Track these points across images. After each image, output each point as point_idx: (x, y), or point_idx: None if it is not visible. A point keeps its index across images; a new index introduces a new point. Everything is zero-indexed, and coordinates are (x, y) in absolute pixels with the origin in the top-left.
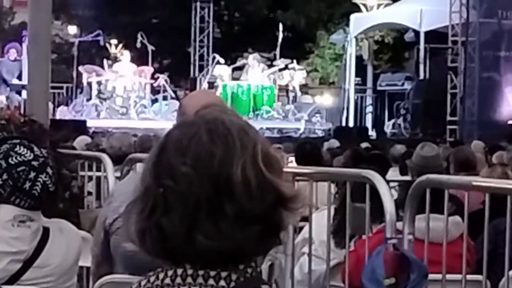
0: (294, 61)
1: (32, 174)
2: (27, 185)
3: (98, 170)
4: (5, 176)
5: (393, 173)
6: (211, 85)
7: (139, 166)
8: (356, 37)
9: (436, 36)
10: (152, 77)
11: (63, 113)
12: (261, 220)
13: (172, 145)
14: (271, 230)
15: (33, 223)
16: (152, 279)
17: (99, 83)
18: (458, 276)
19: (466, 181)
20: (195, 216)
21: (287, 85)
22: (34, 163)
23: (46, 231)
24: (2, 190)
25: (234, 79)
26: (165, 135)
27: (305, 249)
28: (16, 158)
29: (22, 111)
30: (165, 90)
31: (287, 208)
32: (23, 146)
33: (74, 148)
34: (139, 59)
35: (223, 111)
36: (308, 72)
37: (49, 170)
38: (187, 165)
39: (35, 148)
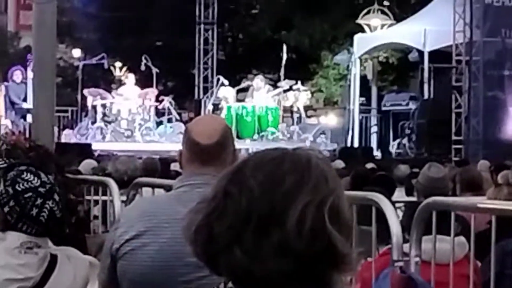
0: (299, 82)
1: (39, 201)
2: (34, 211)
3: (104, 194)
4: (12, 203)
5: (399, 194)
6: (216, 107)
7: (145, 191)
8: (360, 58)
9: (440, 55)
10: (157, 99)
11: (68, 136)
12: (301, 261)
13: (254, 159)
14: (308, 276)
15: (40, 250)
16: None
17: (104, 106)
18: None
19: (472, 204)
20: (242, 229)
21: (291, 106)
22: (41, 189)
23: (53, 258)
24: (9, 216)
25: (238, 100)
26: (256, 152)
27: None
28: (23, 184)
29: (27, 136)
30: (170, 113)
31: (336, 264)
32: (30, 173)
33: (79, 172)
34: (144, 81)
35: (316, 152)
36: (312, 93)
37: (56, 196)
38: (256, 180)
39: (42, 175)
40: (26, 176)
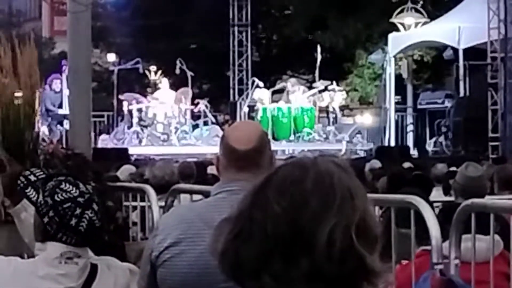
0: (334, 82)
1: (78, 211)
2: (73, 221)
3: (142, 200)
4: (51, 213)
5: (436, 193)
6: (252, 108)
7: (183, 197)
8: (394, 57)
9: (475, 53)
10: (192, 102)
11: (104, 141)
12: (332, 283)
13: (276, 180)
14: None
15: (80, 260)
16: None
17: (139, 110)
18: None
19: (510, 205)
20: (270, 256)
21: (327, 107)
22: (80, 199)
23: (94, 268)
24: (49, 227)
25: (274, 102)
26: (276, 169)
27: None
28: (62, 195)
29: (64, 143)
30: (205, 116)
31: (368, 281)
32: (68, 183)
33: (117, 178)
34: (179, 85)
35: (340, 165)
36: (347, 92)
37: (94, 206)
38: (280, 205)
39: (81, 185)
40: (65, 186)
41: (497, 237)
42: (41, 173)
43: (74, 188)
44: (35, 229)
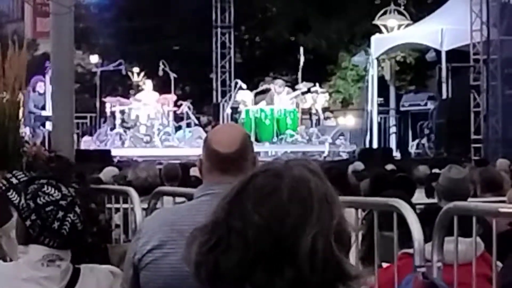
0: (317, 84)
1: (61, 214)
2: (56, 224)
3: (125, 202)
4: (33, 217)
5: (419, 195)
6: (235, 110)
7: (166, 200)
8: (377, 58)
9: (457, 55)
10: (175, 104)
11: (87, 143)
12: None
13: (252, 190)
14: None
15: (62, 262)
16: None
17: (122, 112)
18: None
19: (493, 208)
20: (252, 266)
21: (310, 109)
22: (62, 202)
23: (76, 271)
24: (31, 230)
25: (257, 104)
26: (249, 177)
27: None
28: (44, 198)
29: (47, 145)
30: (188, 117)
31: (345, 284)
32: (50, 186)
33: (100, 180)
34: (162, 87)
35: (313, 170)
36: (330, 94)
37: (77, 209)
38: (262, 216)
39: (63, 188)
40: (47, 189)
41: (478, 239)
42: (23, 175)
43: (56, 191)
44: (17, 232)
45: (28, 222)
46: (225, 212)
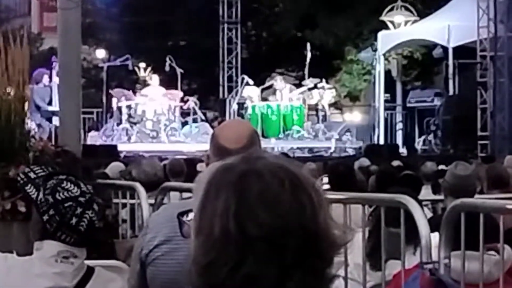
0: (323, 80)
1: (79, 210)
2: (74, 221)
3: (132, 197)
4: (51, 212)
5: (425, 192)
6: (241, 106)
7: (172, 195)
8: (384, 55)
9: (464, 51)
10: (182, 100)
11: (94, 138)
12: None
13: (256, 196)
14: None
15: (76, 260)
16: None
17: (129, 107)
18: None
19: (501, 205)
20: (291, 268)
21: (316, 105)
22: (81, 199)
23: (90, 270)
24: (48, 225)
25: (263, 99)
26: (239, 182)
27: (340, 272)
28: (63, 193)
29: (53, 140)
30: (195, 113)
31: (335, 253)
32: (70, 182)
33: (106, 175)
34: (168, 82)
35: (286, 160)
36: (336, 89)
37: (95, 206)
38: (280, 217)
39: (82, 184)
40: (66, 185)
41: (498, 257)
42: (41, 170)
43: (75, 188)
44: (33, 227)
45: (45, 217)
46: (237, 224)
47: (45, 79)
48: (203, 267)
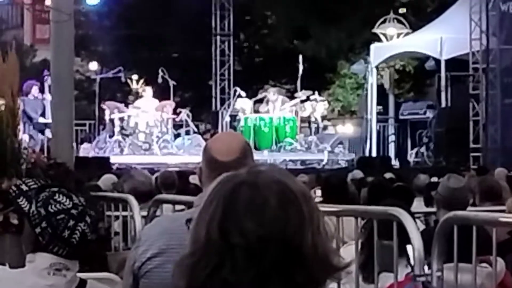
0: (316, 92)
1: (71, 223)
2: (66, 233)
3: (124, 209)
4: (44, 224)
5: (418, 204)
6: (233, 118)
7: (165, 207)
8: (377, 67)
9: (457, 63)
10: (174, 112)
11: (86, 150)
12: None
13: (242, 205)
14: None
15: (68, 272)
16: None
17: (121, 119)
18: None
19: (493, 218)
20: (266, 277)
21: (309, 117)
22: (73, 211)
23: (82, 283)
24: (41, 238)
25: (256, 111)
26: (229, 193)
27: (333, 284)
28: (55, 206)
29: (46, 152)
30: (187, 125)
31: (332, 278)
32: (62, 194)
33: (99, 188)
34: (161, 94)
35: (282, 173)
36: (329, 102)
37: (87, 219)
38: (263, 227)
39: (74, 197)
40: (59, 197)
41: (490, 269)
42: (33, 183)
43: (67, 200)
44: (25, 239)
45: (38, 230)
46: (218, 231)
47: (35, 90)
48: (186, 268)
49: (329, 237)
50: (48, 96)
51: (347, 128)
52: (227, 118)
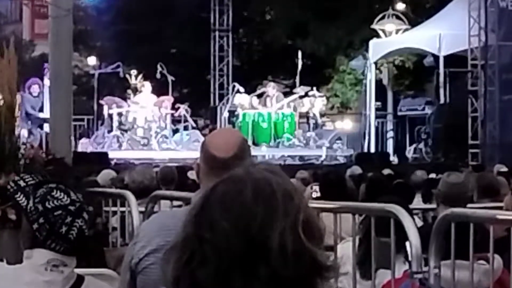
0: (314, 88)
1: (69, 219)
2: (64, 229)
3: (122, 205)
4: (41, 220)
5: (416, 200)
6: (232, 113)
7: (163, 203)
8: (375, 63)
9: (455, 60)
10: (173, 107)
11: (84, 145)
12: (292, 284)
13: (216, 199)
14: None
15: (66, 269)
16: None
17: (120, 114)
18: None
19: (491, 215)
20: (229, 272)
21: (307, 112)
22: (71, 207)
23: (80, 279)
24: (38, 234)
25: (254, 107)
26: (211, 188)
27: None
28: (53, 202)
29: (44, 147)
30: (186, 120)
31: (322, 277)
32: (59, 191)
33: (97, 183)
34: (159, 89)
35: (272, 171)
36: (328, 98)
37: (85, 215)
38: (228, 221)
39: (72, 193)
40: (56, 193)
41: (487, 266)
42: (31, 179)
43: (65, 196)
44: (23, 235)
45: (35, 226)
46: (193, 225)
47: (34, 89)
48: (167, 262)
49: (320, 236)
50: (46, 87)
51: (346, 124)
52: (226, 114)
